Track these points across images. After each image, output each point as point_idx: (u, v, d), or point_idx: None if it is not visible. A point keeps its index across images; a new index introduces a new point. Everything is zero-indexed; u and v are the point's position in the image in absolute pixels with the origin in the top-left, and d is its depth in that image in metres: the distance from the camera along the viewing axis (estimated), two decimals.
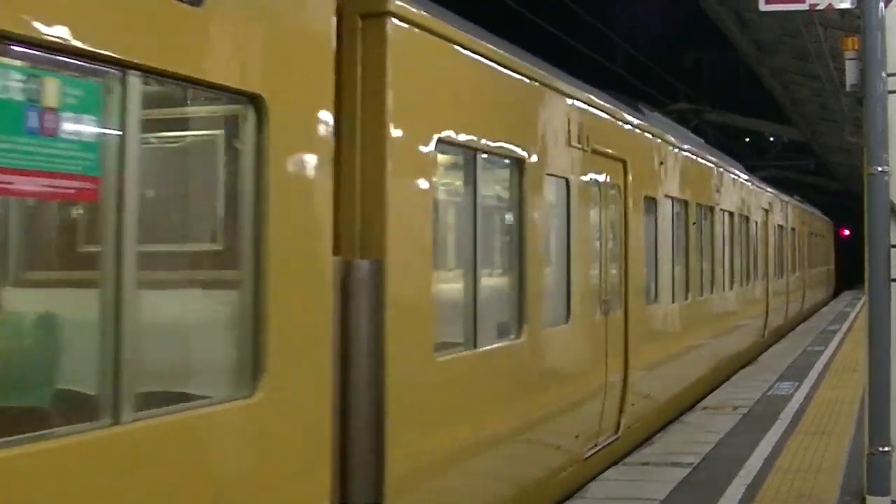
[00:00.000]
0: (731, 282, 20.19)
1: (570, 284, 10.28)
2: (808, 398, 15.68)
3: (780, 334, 27.29)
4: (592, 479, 10.81)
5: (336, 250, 6.21)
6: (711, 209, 18.09)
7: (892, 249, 8.85)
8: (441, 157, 7.70)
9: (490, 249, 8.94)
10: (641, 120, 14.03)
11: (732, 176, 20.91)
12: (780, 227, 28.80)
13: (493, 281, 8.83)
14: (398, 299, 6.75)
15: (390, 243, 6.69)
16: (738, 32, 24.75)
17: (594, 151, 11.10)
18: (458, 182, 8.25)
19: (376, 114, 6.61)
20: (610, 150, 11.76)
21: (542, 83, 9.63)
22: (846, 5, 9.02)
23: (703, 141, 21.40)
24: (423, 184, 7.19)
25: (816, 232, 42.18)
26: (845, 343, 24.33)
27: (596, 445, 11.08)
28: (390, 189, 6.68)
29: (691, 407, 15.47)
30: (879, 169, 8.83)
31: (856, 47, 8.92)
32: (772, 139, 52.48)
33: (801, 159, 53.92)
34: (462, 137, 7.79)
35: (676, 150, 15.59)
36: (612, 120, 12.22)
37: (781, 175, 53.04)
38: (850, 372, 18.24)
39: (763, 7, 9.34)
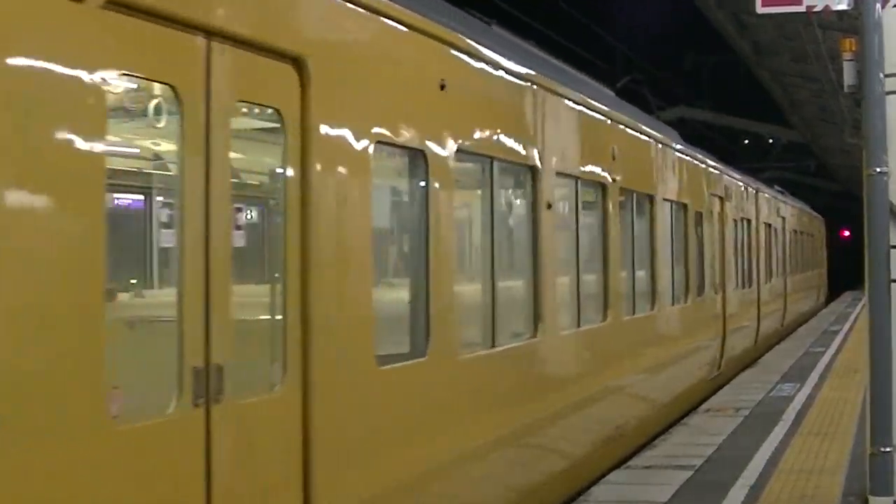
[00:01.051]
0: (655, 300, 14.32)
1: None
2: (811, 399, 15.69)
3: (746, 361, 21.50)
4: None
5: None
6: (604, 188, 12.04)
7: (893, 250, 8.87)
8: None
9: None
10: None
11: (661, 147, 15.08)
12: (747, 221, 23.23)
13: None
14: None
15: None
16: (736, 35, 24.77)
17: None
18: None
19: None
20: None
21: None
22: (843, 7, 9.04)
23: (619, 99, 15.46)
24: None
25: (803, 229, 36.89)
26: (847, 344, 24.32)
27: None
28: None
29: None
30: (878, 170, 8.85)
31: (853, 48, 8.94)
32: (771, 141, 52.50)
33: (801, 161, 53.95)
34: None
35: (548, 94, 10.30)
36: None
37: (782, 176, 53.08)
38: (852, 373, 18.24)
39: (760, 9, 9.35)
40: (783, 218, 30.16)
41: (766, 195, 27.17)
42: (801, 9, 9.21)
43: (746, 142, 54.26)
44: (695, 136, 28.21)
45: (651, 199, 14.40)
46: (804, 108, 34.99)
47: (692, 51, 45.77)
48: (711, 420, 14.35)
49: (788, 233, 31.46)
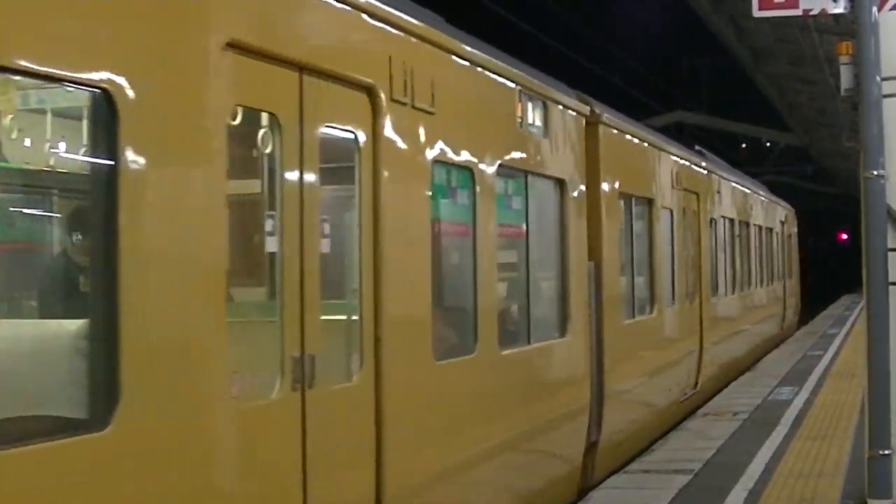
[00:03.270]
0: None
1: None
2: (809, 403, 15.68)
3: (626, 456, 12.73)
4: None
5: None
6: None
7: (890, 253, 8.87)
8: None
9: None
10: None
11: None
12: (645, 201, 14.53)
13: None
14: None
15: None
16: (734, 39, 24.81)
17: None
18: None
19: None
20: None
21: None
22: (839, 10, 9.06)
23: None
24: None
25: (764, 223, 26.23)
26: (844, 347, 24.32)
27: None
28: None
29: None
30: (876, 173, 8.85)
31: (850, 52, 8.95)
32: (769, 144, 52.56)
33: (798, 165, 54.02)
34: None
35: None
36: None
37: (779, 180, 53.11)
38: (850, 376, 18.23)
39: (756, 13, 9.37)
40: (724, 204, 20.14)
41: (691, 169, 17.26)
42: (798, 12, 9.23)
43: (744, 146, 54.31)
44: (692, 140, 28.17)
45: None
46: (802, 112, 35.02)
47: (689, 55, 45.86)
48: (710, 424, 14.34)
49: (739, 227, 22.29)
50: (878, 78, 8.83)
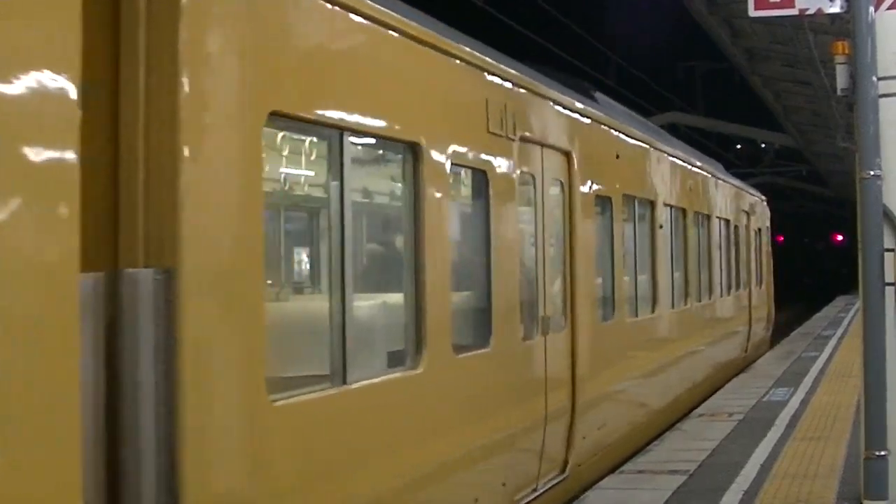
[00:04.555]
0: None
1: None
2: (804, 404, 15.67)
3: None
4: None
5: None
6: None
7: (886, 253, 8.85)
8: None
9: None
10: None
11: None
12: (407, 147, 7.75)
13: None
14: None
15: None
16: (728, 41, 24.81)
17: None
18: None
19: None
20: None
21: None
22: (836, 10, 9.04)
23: None
24: None
25: (719, 212, 20.11)
26: (840, 348, 24.33)
27: None
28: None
29: None
30: (871, 173, 8.84)
31: (846, 51, 8.93)
32: (763, 146, 52.62)
33: (793, 166, 54.08)
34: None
35: None
36: None
37: (774, 182, 53.19)
38: (846, 377, 18.24)
39: (752, 13, 9.36)
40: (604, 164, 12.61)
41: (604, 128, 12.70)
42: (794, 12, 9.21)
43: (739, 147, 54.38)
44: (687, 141, 28.15)
45: None
46: (797, 114, 35.05)
47: (684, 56, 45.90)
48: (705, 425, 14.33)
49: (691, 218, 17.39)
50: (874, 77, 8.82)
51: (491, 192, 9.00)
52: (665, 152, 16.01)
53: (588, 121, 12.04)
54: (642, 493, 10.33)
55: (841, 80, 8.97)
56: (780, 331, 29.74)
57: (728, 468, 11.17)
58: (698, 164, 18.82)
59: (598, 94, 14.38)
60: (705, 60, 44.93)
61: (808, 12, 9.24)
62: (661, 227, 15.19)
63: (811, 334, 29.14)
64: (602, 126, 12.69)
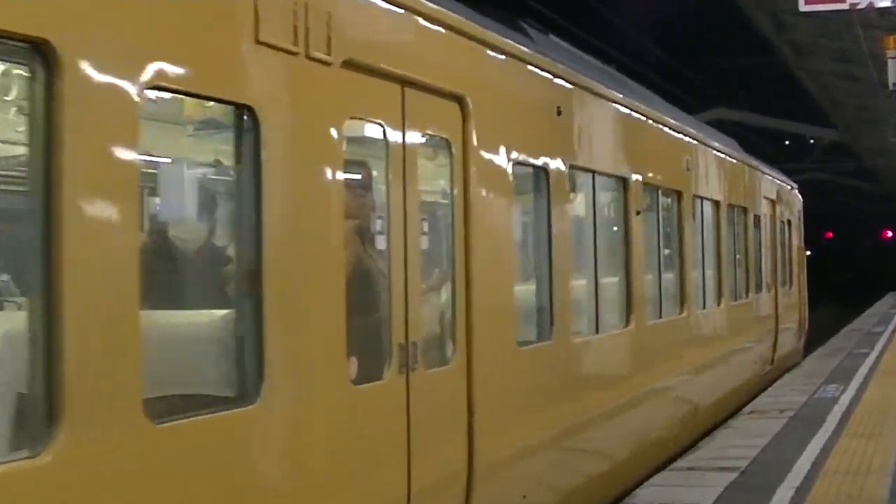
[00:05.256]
0: None
1: None
2: (855, 401, 15.56)
3: None
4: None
5: None
6: None
7: None
8: None
9: None
10: None
11: None
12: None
13: None
14: None
15: None
16: (775, 35, 24.66)
17: None
18: None
19: None
20: None
21: None
22: (886, 3, 8.99)
23: None
24: None
25: (733, 199, 16.80)
26: (890, 345, 24.13)
27: None
28: None
29: None
30: None
31: None
32: (812, 141, 52.23)
33: (841, 161, 53.66)
34: None
35: None
36: None
37: (821, 177, 52.80)
38: None
39: (803, 7, 9.33)
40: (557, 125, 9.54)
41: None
42: (845, 6, 9.18)
43: (787, 143, 54.00)
44: (733, 137, 27.97)
45: None
46: (844, 109, 34.78)
47: (728, 51, 45.61)
48: (755, 422, 14.26)
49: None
50: None
51: (265, 149, 5.35)
52: (641, 113, 12.15)
53: (501, 57, 8.40)
54: (693, 490, 10.29)
55: (892, 75, 8.91)
56: (827, 330, 29.30)
57: (779, 465, 11.11)
58: (697, 134, 14.93)
59: (535, 31, 10.41)
60: (749, 56, 44.66)
61: (858, 7, 9.20)
62: (637, 213, 11.46)
63: (861, 331, 28.92)
64: (530, 67, 8.98)
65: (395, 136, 6.70)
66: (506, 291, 8.14)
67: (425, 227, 7.24)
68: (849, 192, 64.64)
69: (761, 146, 43.06)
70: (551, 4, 24.15)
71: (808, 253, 26.66)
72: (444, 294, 7.46)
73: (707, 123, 23.71)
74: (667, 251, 13.35)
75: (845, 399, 15.76)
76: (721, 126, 36.77)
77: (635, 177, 11.52)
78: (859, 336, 27.17)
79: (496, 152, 8.09)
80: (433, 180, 7.49)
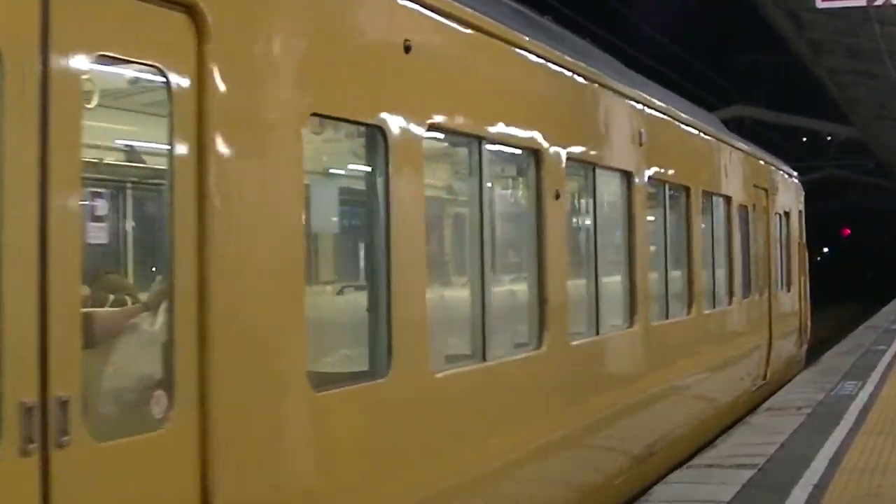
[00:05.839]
0: None
1: None
2: (873, 398, 15.52)
3: None
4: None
5: None
6: None
7: None
8: None
9: None
10: None
11: None
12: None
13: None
14: None
15: None
16: (792, 32, 24.62)
17: None
18: None
19: None
20: None
21: None
22: None
23: None
24: None
25: (716, 187, 14.81)
26: None
27: None
28: None
29: None
30: None
31: None
32: (829, 138, 52.08)
33: (859, 159, 53.49)
34: None
35: None
36: None
37: (839, 174, 52.64)
38: None
39: (820, 4, 9.33)
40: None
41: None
42: (862, 2, 9.17)
43: (805, 140, 53.86)
44: (751, 134, 27.96)
45: None
46: (862, 106, 34.68)
47: (746, 49, 45.53)
48: (773, 419, 14.24)
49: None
50: None
51: None
52: (563, 66, 9.31)
53: None
54: (711, 488, 10.30)
55: None
56: (844, 328, 29.16)
57: (797, 462, 11.10)
58: (656, 102, 12.12)
59: None
60: (767, 54, 44.58)
61: (875, 3, 9.19)
62: (556, 197, 8.77)
63: (879, 328, 28.83)
64: None
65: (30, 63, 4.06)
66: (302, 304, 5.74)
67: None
68: (867, 189, 64.46)
69: (779, 143, 43.00)
70: (572, 4, 24.16)
71: (826, 250, 26.53)
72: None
73: (725, 121, 23.44)
74: (612, 250, 10.80)
75: (863, 396, 15.72)
76: (740, 123, 36.78)
77: (555, 149, 8.73)
78: (877, 333, 27.10)
79: (263, 97, 5.25)
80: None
